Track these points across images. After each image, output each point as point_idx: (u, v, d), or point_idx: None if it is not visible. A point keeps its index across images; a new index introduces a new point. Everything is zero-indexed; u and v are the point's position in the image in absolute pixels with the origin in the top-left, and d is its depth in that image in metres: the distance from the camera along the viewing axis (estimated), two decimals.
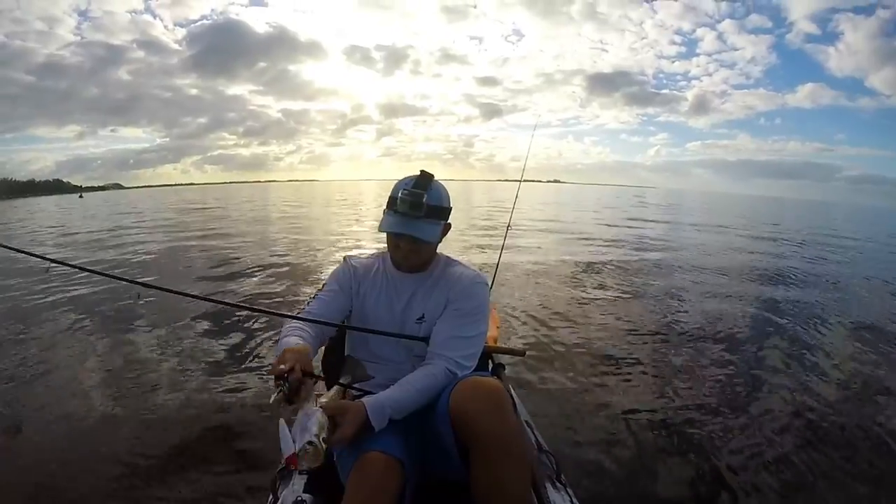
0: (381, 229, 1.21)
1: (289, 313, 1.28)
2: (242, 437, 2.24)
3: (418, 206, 1.18)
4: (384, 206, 1.24)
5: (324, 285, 1.32)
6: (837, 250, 10.14)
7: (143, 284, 1.30)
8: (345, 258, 1.39)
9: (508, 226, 2.79)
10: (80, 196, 61.81)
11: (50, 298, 4.96)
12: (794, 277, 6.64)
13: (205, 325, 3.99)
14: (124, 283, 1.37)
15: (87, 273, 1.49)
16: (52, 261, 1.43)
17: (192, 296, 1.38)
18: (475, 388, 1.04)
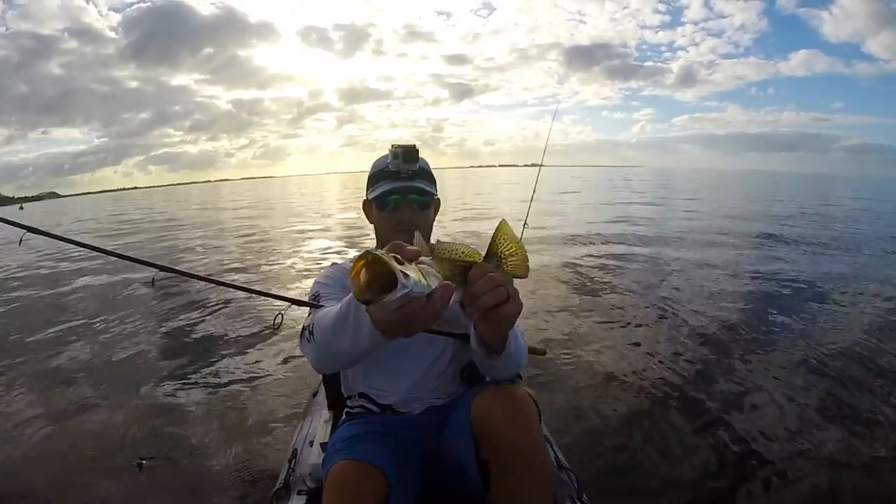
0: (375, 198, 1.21)
1: (299, 299, 1.19)
2: (239, 454, 2.20)
3: (414, 158, 1.20)
4: (370, 189, 1.25)
5: (316, 295, 1.14)
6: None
7: (161, 267, 1.24)
8: (332, 264, 1.34)
9: (525, 223, 2.66)
10: (21, 208, 60.49)
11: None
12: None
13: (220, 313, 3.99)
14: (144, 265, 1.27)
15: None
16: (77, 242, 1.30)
17: (212, 280, 1.31)
18: (502, 397, 1.01)
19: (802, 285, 5.12)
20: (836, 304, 4.38)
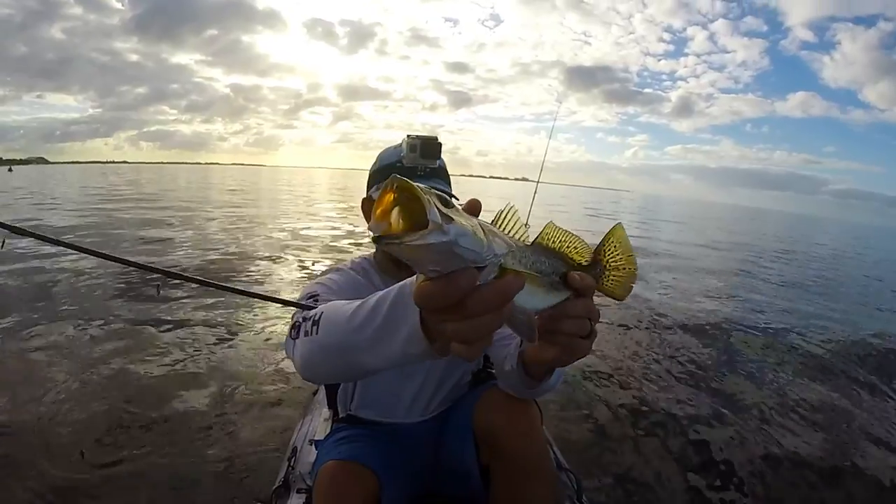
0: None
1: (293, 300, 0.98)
2: (239, 452, 2.20)
3: (436, 154, 1.04)
4: (375, 186, 1.11)
5: (313, 295, 0.98)
6: None
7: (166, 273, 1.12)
8: (336, 268, 1.17)
9: (526, 224, 2.76)
10: (10, 170, 59.31)
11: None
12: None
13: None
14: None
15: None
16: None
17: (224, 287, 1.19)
18: (506, 401, 1.00)
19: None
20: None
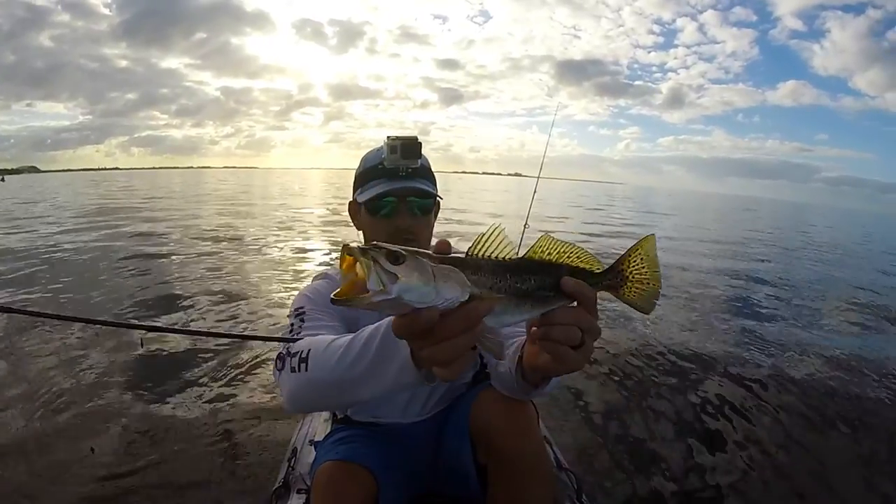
0: (367, 201, 1.06)
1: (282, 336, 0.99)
2: (240, 452, 2.23)
3: (416, 153, 1.06)
4: (359, 189, 1.12)
5: (300, 311, 0.99)
6: None
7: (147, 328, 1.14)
8: (323, 276, 1.17)
9: (526, 224, 2.72)
10: (2, 180, 58.72)
11: None
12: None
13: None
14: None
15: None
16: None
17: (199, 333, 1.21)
18: (502, 401, 0.99)
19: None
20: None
